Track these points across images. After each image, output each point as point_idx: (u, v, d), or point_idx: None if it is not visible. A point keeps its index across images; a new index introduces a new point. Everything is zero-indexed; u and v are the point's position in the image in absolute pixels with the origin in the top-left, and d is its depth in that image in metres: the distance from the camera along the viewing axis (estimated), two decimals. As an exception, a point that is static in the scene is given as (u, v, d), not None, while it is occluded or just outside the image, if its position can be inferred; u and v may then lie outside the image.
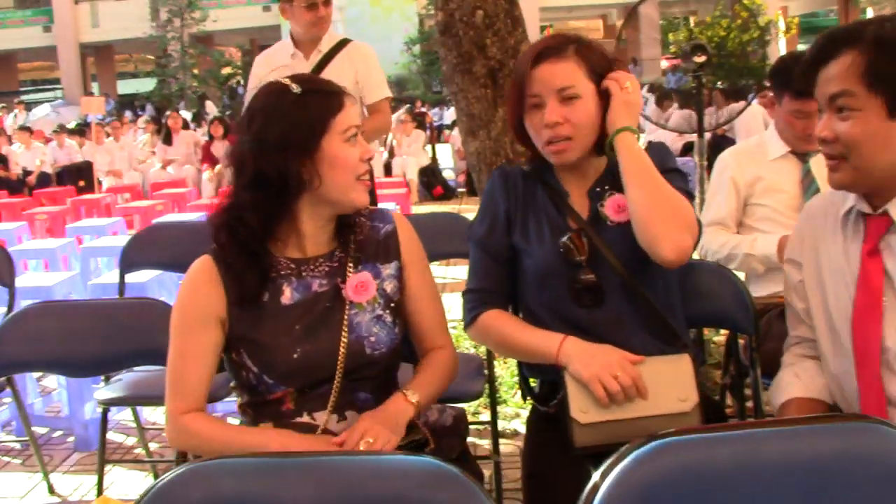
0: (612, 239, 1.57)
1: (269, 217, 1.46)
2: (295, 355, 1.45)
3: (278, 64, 3.35)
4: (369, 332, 1.50)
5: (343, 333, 1.48)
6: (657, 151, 1.62)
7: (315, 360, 1.46)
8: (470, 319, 1.63)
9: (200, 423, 1.46)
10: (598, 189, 1.62)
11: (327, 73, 3.26)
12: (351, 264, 1.53)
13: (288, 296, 1.49)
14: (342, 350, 1.47)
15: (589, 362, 1.45)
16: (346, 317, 1.49)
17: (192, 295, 1.50)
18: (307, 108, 1.44)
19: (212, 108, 18.06)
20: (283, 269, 1.50)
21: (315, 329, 1.48)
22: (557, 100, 1.54)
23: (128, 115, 17.86)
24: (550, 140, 1.56)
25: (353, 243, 1.55)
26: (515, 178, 1.66)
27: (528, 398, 1.72)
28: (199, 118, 14.15)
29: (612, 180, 1.61)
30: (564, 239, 1.56)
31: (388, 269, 1.56)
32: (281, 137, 1.42)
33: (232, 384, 1.59)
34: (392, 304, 1.55)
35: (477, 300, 1.63)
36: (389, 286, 1.55)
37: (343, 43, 3.45)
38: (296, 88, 1.45)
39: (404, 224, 1.62)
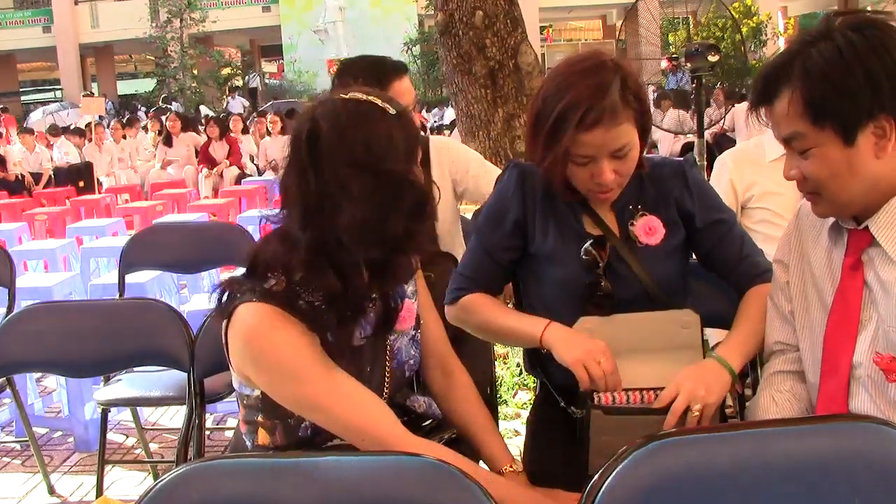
0: (640, 259, 1.56)
1: (421, 231, 1.36)
2: None
3: None
4: (408, 356, 1.46)
5: (388, 364, 1.43)
6: (703, 191, 1.62)
7: None
8: (452, 298, 1.64)
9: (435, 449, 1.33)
10: (626, 206, 1.59)
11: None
12: (391, 294, 1.43)
13: (357, 335, 1.37)
14: (387, 380, 1.42)
15: (572, 347, 1.47)
16: (392, 348, 1.43)
17: (291, 338, 1.29)
18: (407, 129, 1.34)
19: (206, 111, 17.97)
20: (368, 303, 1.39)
21: (374, 366, 1.41)
22: (610, 158, 1.48)
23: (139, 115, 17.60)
24: (599, 191, 1.52)
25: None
26: (533, 180, 1.62)
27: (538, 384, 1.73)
28: (195, 122, 14.00)
29: (637, 195, 1.60)
30: (587, 246, 1.56)
31: (410, 286, 1.50)
32: (404, 163, 1.31)
33: (257, 418, 1.40)
34: (420, 322, 1.50)
35: (463, 283, 1.64)
36: (416, 305, 1.50)
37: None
38: (391, 109, 1.33)
39: None
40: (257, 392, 1.35)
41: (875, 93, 1.22)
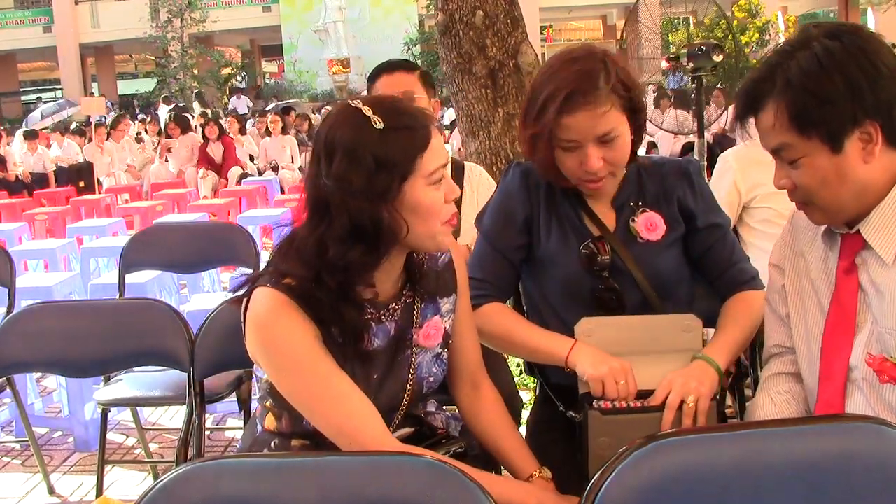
0: (640, 255, 1.57)
1: (361, 268, 1.30)
2: None
3: None
4: (429, 373, 1.45)
5: (410, 379, 1.42)
6: (705, 194, 1.63)
7: (381, 407, 1.35)
8: (473, 305, 1.60)
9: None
10: (626, 202, 1.60)
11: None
12: (418, 307, 1.43)
13: (368, 342, 1.36)
14: (407, 394, 1.41)
15: (599, 364, 1.47)
16: (414, 362, 1.42)
17: (292, 331, 1.29)
18: (389, 147, 1.26)
19: (198, 107, 17.82)
20: (365, 315, 1.37)
21: (387, 376, 1.40)
22: (597, 144, 1.47)
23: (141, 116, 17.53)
24: (588, 179, 1.52)
25: (420, 282, 1.43)
26: (537, 179, 1.62)
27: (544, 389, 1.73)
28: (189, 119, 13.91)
29: (637, 192, 1.60)
30: (584, 247, 1.56)
31: (447, 304, 1.47)
32: (366, 182, 1.25)
33: (266, 403, 1.42)
34: (449, 342, 1.49)
35: (484, 288, 1.61)
36: (448, 323, 1.47)
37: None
38: (378, 123, 1.26)
39: (457, 251, 1.52)
40: (267, 376, 1.37)
41: (857, 100, 1.22)
